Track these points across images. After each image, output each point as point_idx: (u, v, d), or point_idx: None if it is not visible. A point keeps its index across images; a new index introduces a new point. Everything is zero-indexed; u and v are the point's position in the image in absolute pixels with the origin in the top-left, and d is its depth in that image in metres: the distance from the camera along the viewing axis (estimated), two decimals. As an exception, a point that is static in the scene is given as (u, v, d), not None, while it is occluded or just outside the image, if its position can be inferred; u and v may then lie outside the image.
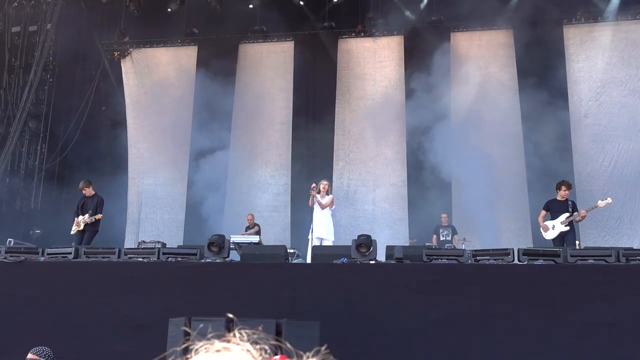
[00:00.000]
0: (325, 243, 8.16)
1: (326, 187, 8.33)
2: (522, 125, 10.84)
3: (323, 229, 8.19)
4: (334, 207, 8.49)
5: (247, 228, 10.74)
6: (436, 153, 10.47)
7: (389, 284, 5.95)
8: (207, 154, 11.41)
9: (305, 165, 11.61)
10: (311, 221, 8.20)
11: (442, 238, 10.14)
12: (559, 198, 7.74)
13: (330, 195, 8.42)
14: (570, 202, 7.69)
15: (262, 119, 12.42)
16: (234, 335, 0.88)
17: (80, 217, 8.20)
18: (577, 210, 7.62)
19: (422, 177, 10.83)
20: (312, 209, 8.25)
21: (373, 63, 12.06)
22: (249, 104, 12.39)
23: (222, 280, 6.25)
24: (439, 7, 11.51)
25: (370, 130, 11.79)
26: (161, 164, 12.33)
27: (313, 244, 7.80)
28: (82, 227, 8.13)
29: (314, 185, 8.30)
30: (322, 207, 8.21)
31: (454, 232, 10.25)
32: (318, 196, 8.20)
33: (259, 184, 12.27)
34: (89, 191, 8.39)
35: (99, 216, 8.08)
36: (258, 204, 12.08)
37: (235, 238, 9.08)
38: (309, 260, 7.58)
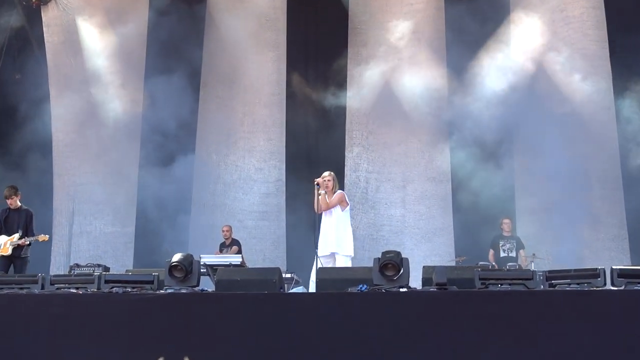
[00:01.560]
0: (339, 261, 8.09)
1: (330, 183, 8.22)
2: (614, 103, 10.87)
3: (332, 241, 8.10)
4: (347, 206, 8.30)
5: (223, 245, 10.72)
6: (496, 132, 10.47)
7: (428, 321, 5.89)
8: (165, 140, 11.39)
9: (306, 153, 11.58)
10: (316, 230, 8.14)
11: (502, 254, 10.11)
12: None
13: (339, 192, 8.29)
14: None
15: (244, 89, 12.44)
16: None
17: (4, 238, 8.19)
18: None
19: (474, 168, 10.76)
20: (319, 214, 8.17)
21: (400, 3, 11.96)
22: (223, 67, 12.41)
23: (188, 320, 6.19)
24: None
25: (398, 102, 11.73)
26: (100, 155, 12.29)
27: (319, 265, 7.73)
28: (9, 252, 8.12)
29: (317, 180, 8.23)
30: (324, 207, 8.13)
31: (520, 246, 10.22)
32: (323, 192, 8.12)
33: (240, 181, 12.27)
34: (14, 201, 8.36)
35: (42, 237, 8.09)
36: (239, 210, 12.10)
37: (208, 258, 9.08)
38: (312, 289, 7.55)
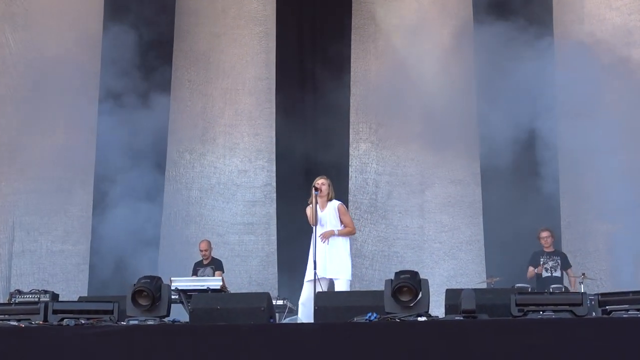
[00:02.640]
0: (339, 287, 8.21)
1: (324, 188, 8.39)
2: None
3: (329, 262, 8.24)
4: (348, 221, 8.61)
5: (199, 265, 10.71)
6: (535, 119, 10.50)
7: (453, 358, 5.89)
8: (127, 135, 11.39)
9: (301, 152, 11.58)
10: (312, 247, 8.19)
11: (545, 274, 10.09)
12: None
13: (338, 203, 8.51)
14: None
15: (223, 72, 12.46)
16: None
17: None
18: None
19: (510, 167, 10.81)
20: (315, 228, 8.27)
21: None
22: (198, 44, 12.40)
23: (156, 359, 6.20)
24: None
25: (415, 87, 11.75)
26: (45, 154, 12.26)
27: (317, 290, 7.78)
28: None
29: (318, 183, 8.32)
30: (351, 232, 8.48)
31: (566, 264, 10.20)
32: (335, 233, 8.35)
33: (220, 186, 12.30)
34: None
35: None
36: (219, 222, 12.12)
37: (180, 282, 9.08)
38: (309, 318, 7.56)
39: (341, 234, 8.37)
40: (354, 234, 8.58)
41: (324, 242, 8.25)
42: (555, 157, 10.83)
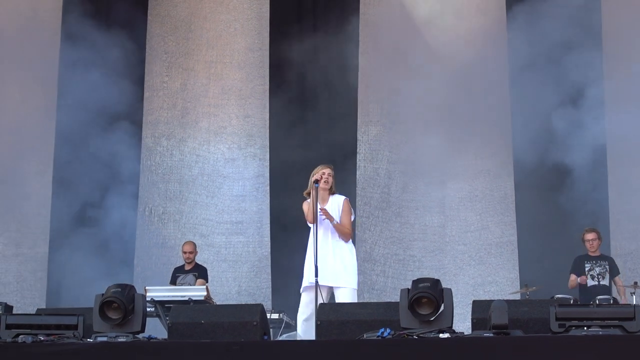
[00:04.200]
0: (343, 296, 8.21)
1: (330, 179, 8.38)
2: None
3: (330, 267, 8.25)
4: (352, 217, 8.59)
5: (180, 271, 10.72)
6: (579, 104, 10.49)
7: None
8: (93, 118, 11.38)
9: (300, 137, 11.58)
10: (311, 249, 8.21)
11: (590, 282, 10.10)
12: None
13: (342, 198, 8.53)
14: None
15: (207, 42, 12.49)
16: None
17: None
18: None
19: (549, 156, 10.80)
20: (314, 226, 8.27)
21: None
22: (179, 10, 12.45)
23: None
24: None
25: (435, 57, 11.74)
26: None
27: (320, 301, 7.78)
28: None
29: (318, 175, 8.32)
30: (348, 236, 8.38)
31: (615, 271, 10.21)
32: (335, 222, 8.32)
33: (204, 177, 12.33)
34: None
35: None
36: (201, 220, 12.14)
37: (157, 292, 9.09)
38: (309, 335, 7.61)
39: (336, 227, 8.33)
40: (347, 239, 8.41)
41: (323, 219, 8.25)
42: (602, 147, 10.82)
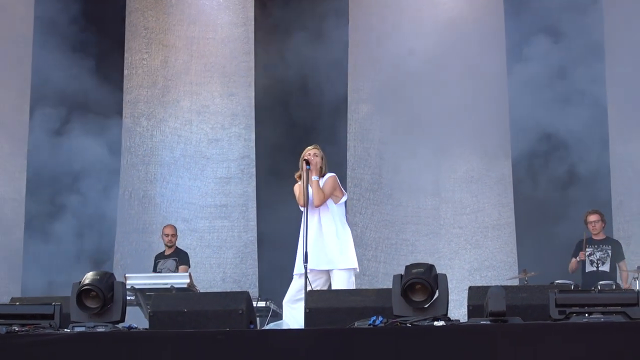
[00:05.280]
0: (338, 280, 8.17)
1: (317, 160, 8.38)
2: None
3: (331, 251, 8.24)
4: (343, 196, 8.51)
5: (160, 257, 10.70)
6: (579, 78, 10.52)
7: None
8: (71, 97, 11.31)
9: (287, 116, 11.56)
10: (302, 233, 8.18)
11: (590, 268, 10.10)
12: None
13: (330, 175, 8.45)
14: None
15: (188, 17, 12.53)
16: None
17: None
18: None
19: (547, 135, 10.79)
20: (305, 210, 8.23)
21: None
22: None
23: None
24: None
25: (428, 29, 11.71)
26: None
27: (309, 288, 7.77)
28: None
29: (308, 154, 8.31)
30: (318, 200, 8.29)
31: (618, 255, 10.22)
32: (316, 177, 8.27)
33: (186, 158, 12.33)
34: None
35: None
36: (184, 204, 12.13)
37: (137, 279, 9.08)
38: (297, 323, 7.57)
39: (314, 184, 8.23)
40: (318, 203, 8.19)
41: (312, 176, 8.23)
42: (604, 123, 10.80)
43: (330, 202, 8.33)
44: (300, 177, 8.35)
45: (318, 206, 8.25)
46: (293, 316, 7.99)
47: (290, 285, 8.24)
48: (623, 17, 11.22)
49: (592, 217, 10.21)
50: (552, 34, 11.08)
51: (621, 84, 10.92)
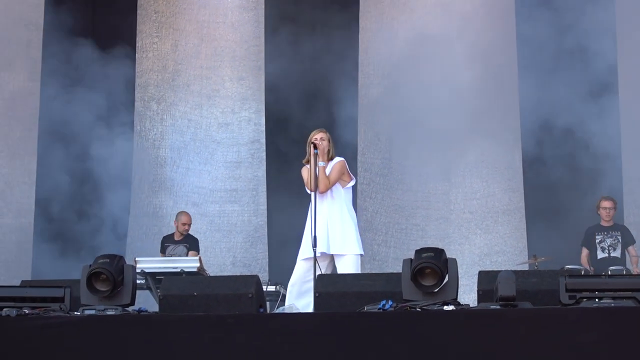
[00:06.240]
0: (346, 265, 8.20)
1: (325, 144, 8.42)
2: None
3: (336, 236, 8.28)
4: (351, 180, 8.55)
5: (169, 240, 10.71)
6: (589, 58, 10.46)
7: (487, 355, 5.91)
8: (83, 81, 11.39)
9: (297, 100, 11.55)
10: (310, 220, 8.19)
11: (601, 254, 10.09)
12: None
13: (338, 159, 8.49)
14: None
15: (200, 2, 12.51)
16: None
17: None
18: None
19: (558, 118, 10.74)
20: (313, 194, 8.25)
21: None
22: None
23: (118, 356, 6.22)
24: None
25: (442, 19, 11.79)
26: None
27: (318, 272, 7.79)
28: None
29: (315, 138, 8.32)
30: (324, 186, 8.31)
31: (628, 240, 10.20)
32: (322, 163, 8.29)
33: (196, 143, 12.34)
34: None
35: None
36: (194, 189, 12.17)
37: (147, 263, 9.10)
38: (307, 308, 7.63)
39: (320, 169, 8.25)
40: (324, 189, 8.24)
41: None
42: (615, 108, 10.77)
43: (337, 186, 8.37)
44: (308, 161, 8.38)
45: (323, 192, 8.29)
46: (295, 296, 8.07)
47: (295, 270, 8.28)
48: (636, 3, 11.18)
49: (606, 204, 10.18)
50: (562, 17, 11.05)
51: (633, 69, 10.89)
